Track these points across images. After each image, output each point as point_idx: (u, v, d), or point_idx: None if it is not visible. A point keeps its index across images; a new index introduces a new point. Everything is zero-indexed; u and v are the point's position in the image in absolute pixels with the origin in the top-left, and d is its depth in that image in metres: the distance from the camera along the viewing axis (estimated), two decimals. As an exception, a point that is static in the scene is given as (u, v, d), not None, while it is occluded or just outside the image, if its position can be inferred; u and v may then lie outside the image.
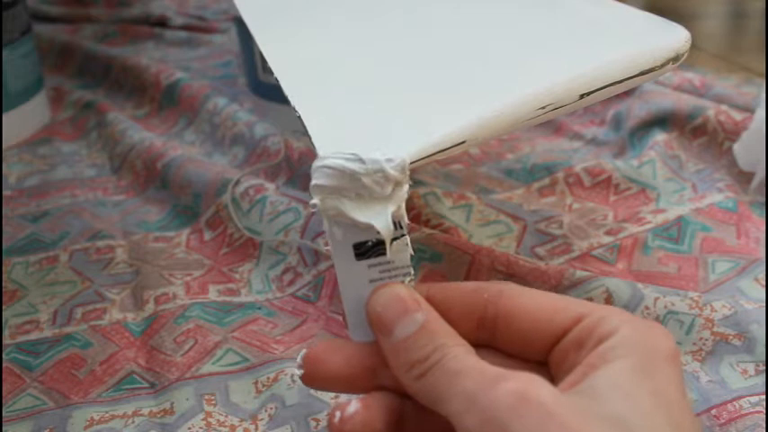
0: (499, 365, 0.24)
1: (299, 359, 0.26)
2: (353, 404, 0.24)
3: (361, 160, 0.25)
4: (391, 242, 0.25)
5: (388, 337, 0.25)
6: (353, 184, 0.25)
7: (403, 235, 0.25)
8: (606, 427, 0.20)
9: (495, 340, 0.26)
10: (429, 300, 0.25)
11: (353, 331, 0.26)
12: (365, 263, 0.25)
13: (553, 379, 0.24)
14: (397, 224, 0.25)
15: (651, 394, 0.21)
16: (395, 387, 0.25)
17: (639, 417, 0.21)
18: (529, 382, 0.21)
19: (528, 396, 0.21)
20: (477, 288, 0.26)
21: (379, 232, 0.24)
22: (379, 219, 0.24)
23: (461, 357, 0.23)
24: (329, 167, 0.25)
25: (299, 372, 0.26)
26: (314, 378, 0.26)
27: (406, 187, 0.25)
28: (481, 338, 0.26)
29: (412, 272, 0.26)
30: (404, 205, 0.25)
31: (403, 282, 0.26)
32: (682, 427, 0.21)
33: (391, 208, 0.24)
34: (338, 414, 0.24)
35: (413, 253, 0.25)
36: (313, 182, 0.25)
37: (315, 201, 0.25)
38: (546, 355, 0.25)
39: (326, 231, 0.25)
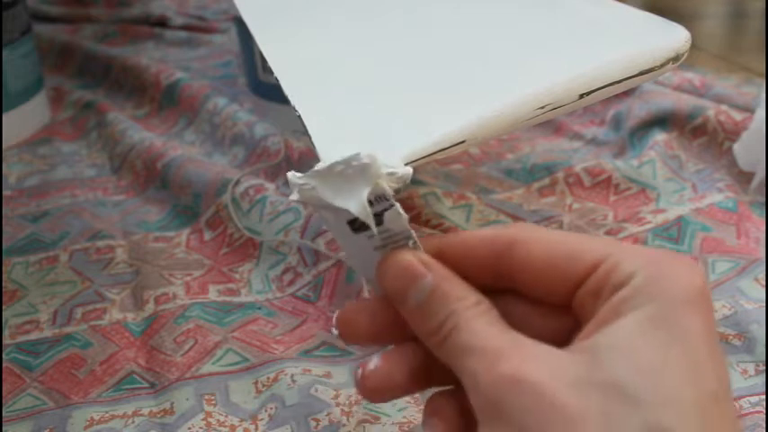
0: (521, 314, 0.25)
1: (333, 320, 0.27)
2: (374, 359, 0.25)
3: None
4: (381, 214, 0.24)
5: (403, 306, 0.25)
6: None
7: (392, 205, 0.24)
8: (598, 396, 0.20)
9: (517, 286, 0.25)
10: (441, 254, 0.25)
11: (375, 288, 0.27)
12: (363, 235, 0.25)
13: (579, 325, 0.23)
14: (379, 198, 0.24)
15: (662, 347, 0.20)
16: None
17: (639, 377, 0.20)
18: (522, 362, 0.21)
19: (520, 378, 0.21)
20: (489, 238, 0.25)
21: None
22: (353, 202, 0.24)
23: (470, 328, 0.23)
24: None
25: (335, 332, 0.27)
26: (347, 337, 0.27)
27: (377, 165, 0.24)
28: (502, 285, 0.25)
29: (414, 234, 0.25)
30: (382, 181, 0.24)
31: (407, 245, 0.25)
32: (703, 375, 0.20)
33: (365, 190, 0.24)
34: (360, 371, 0.25)
35: (407, 216, 0.25)
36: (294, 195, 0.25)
37: (294, 196, 0.25)
38: (569, 301, 0.24)
39: (319, 216, 0.25)
